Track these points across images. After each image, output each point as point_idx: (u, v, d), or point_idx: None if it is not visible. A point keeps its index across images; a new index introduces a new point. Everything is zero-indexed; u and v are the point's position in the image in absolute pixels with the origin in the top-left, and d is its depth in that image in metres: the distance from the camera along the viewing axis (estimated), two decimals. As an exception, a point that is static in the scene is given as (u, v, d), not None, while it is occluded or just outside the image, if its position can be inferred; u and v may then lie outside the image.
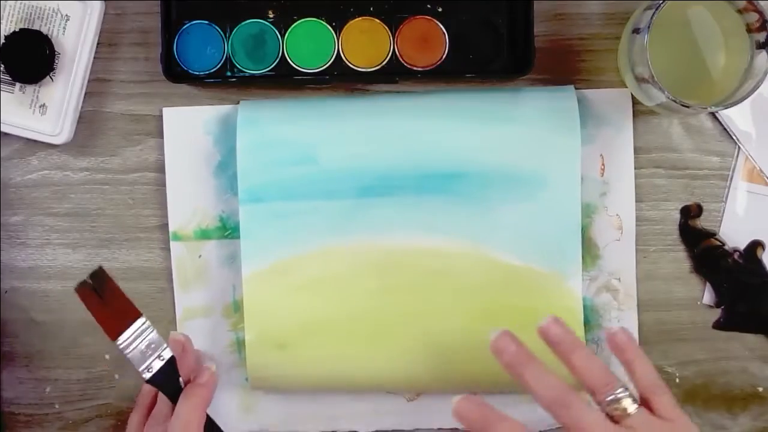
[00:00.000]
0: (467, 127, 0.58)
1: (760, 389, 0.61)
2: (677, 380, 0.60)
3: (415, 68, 0.59)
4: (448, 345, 0.58)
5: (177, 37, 0.58)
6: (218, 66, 0.59)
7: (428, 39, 0.59)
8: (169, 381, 0.55)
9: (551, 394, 0.48)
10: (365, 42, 0.58)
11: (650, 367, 0.50)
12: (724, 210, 0.60)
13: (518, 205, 0.58)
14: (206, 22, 0.59)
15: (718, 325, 0.60)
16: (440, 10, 0.58)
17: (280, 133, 0.58)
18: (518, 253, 0.58)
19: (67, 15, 0.58)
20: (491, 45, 0.59)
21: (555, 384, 0.48)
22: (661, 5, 0.51)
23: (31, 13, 0.58)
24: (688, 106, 0.51)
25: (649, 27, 0.51)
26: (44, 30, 0.57)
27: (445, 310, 0.58)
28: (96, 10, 0.58)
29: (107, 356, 0.61)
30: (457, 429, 0.60)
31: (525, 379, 0.49)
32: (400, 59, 0.59)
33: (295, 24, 0.58)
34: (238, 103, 0.60)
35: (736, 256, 0.60)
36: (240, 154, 0.58)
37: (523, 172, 0.58)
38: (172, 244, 0.60)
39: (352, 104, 0.59)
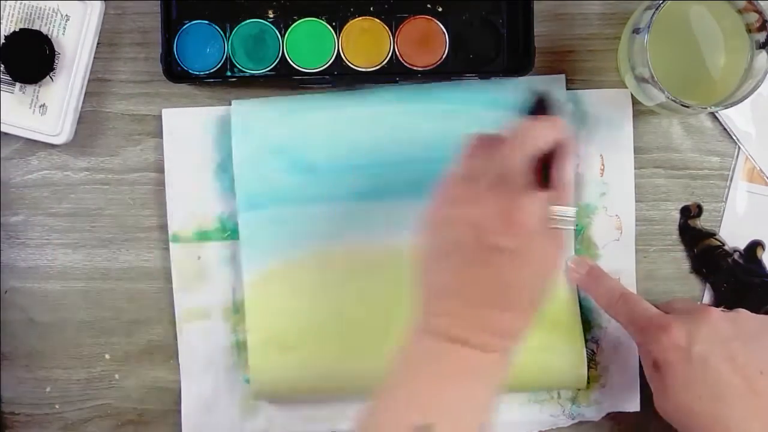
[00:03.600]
0: (458, 111, 0.58)
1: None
2: (677, 380, 0.60)
3: (415, 68, 0.59)
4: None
5: (177, 37, 0.58)
6: (218, 66, 0.59)
7: (428, 39, 0.59)
8: None
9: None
10: (365, 42, 0.58)
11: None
12: (724, 210, 0.60)
13: None
14: (206, 22, 0.58)
15: (718, 325, 0.60)
16: (440, 9, 0.58)
17: (274, 141, 0.59)
18: None
19: (67, 15, 0.58)
20: (491, 45, 0.59)
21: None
22: (661, 5, 0.51)
23: (31, 13, 0.58)
24: (688, 106, 0.51)
25: (649, 27, 0.51)
26: (44, 30, 0.57)
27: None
28: (96, 10, 0.58)
29: (107, 356, 0.61)
30: (457, 429, 0.60)
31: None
32: (400, 59, 0.59)
33: (295, 24, 0.58)
34: (237, 103, 0.60)
35: (736, 256, 0.60)
36: (236, 164, 0.58)
37: None
38: (172, 246, 0.60)
39: (345, 102, 0.59)
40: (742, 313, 0.53)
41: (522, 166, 0.46)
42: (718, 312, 0.52)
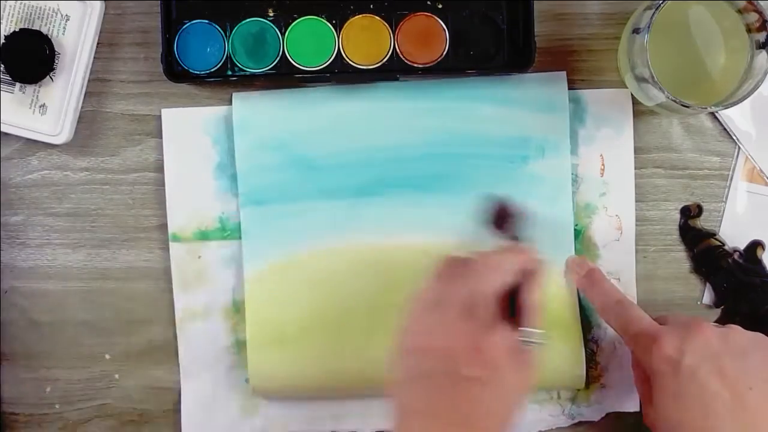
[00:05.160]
0: (458, 108, 0.59)
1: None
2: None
3: (415, 65, 0.59)
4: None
5: (177, 36, 0.58)
6: (219, 65, 0.59)
7: (428, 36, 0.59)
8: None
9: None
10: (365, 39, 0.58)
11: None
12: (724, 210, 0.60)
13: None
14: (206, 21, 0.58)
15: (718, 325, 0.60)
16: (440, 6, 0.58)
17: (275, 137, 0.59)
18: None
19: (67, 15, 0.58)
20: (492, 41, 0.59)
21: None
22: (661, 5, 0.51)
23: (31, 13, 0.58)
24: (688, 106, 0.51)
25: (649, 27, 0.51)
26: (44, 30, 0.57)
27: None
28: (96, 10, 0.58)
29: (107, 356, 0.61)
30: (457, 429, 0.60)
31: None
32: (401, 56, 0.59)
33: (295, 22, 0.58)
34: (237, 102, 0.60)
35: (736, 256, 0.60)
36: (238, 158, 0.59)
37: (515, 164, 0.59)
38: (172, 245, 0.60)
39: (346, 99, 0.59)
40: (734, 328, 0.53)
41: (491, 299, 0.49)
42: (710, 326, 0.52)
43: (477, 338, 0.47)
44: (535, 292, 0.50)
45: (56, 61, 0.58)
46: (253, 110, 0.59)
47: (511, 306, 0.50)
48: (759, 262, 0.60)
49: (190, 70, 0.59)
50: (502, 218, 0.55)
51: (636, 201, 0.60)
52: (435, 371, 0.48)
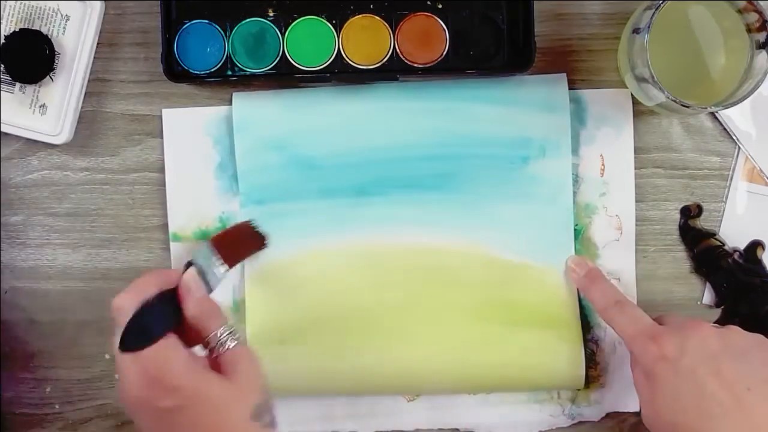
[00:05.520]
0: (459, 108, 0.59)
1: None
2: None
3: (415, 65, 0.59)
4: (446, 342, 0.58)
5: (177, 36, 0.58)
6: (219, 65, 0.59)
7: (429, 36, 0.58)
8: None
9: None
10: (366, 39, 0.58)
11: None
12: (724, 210, 0.60)
13: (511, 200, 0.59)
14: (206, 21, 0.58)
15: (718, 326, 0.60)
16: (440, 6, 0.58)
17: (276, 135, 0.59)
18: (514, 248, 0.59)
19: (67, 15, 0.58)
20: (492, 41, 0.59)
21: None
22: (661, 5, 0.51)
23: (31, 13, 0.58)
24: (688, 106, 0.51)
25: (649, 27, 0.51)
26: (44, 30, 0.57)
27: (443, 308, 0.59)
28: (96, 10, 0.58)
29: (107, 356, 0.61)
30: (457, 430, 0.60)
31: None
32: (401, 56, 0.59)
33: (295, 22, 0.58)
34: (237, 102, 0.60)
35: (736, 256, 0.60)
36: (239, 157, 0.59)
37: (515, 164, 0.59)
38: (172, 245, 0.60)
39: (346, 98, 0.59)
40: (733, 329, 0.53)
41: (126, 322, 0.47)
42: (709, 327, 0.52)
43: (148, 370, 0.46)
44: (193, 302, 0.49)
45: (56, 61, 0.58)
46: (254, 110, 0.59)
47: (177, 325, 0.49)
48: (759, 262, 0.60)
49: (190, 70, 0.59)
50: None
51: (636, 201, 0.60)
52: (147, 418, 0.47)
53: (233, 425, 0.47)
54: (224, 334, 0.49)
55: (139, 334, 0.47)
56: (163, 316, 0.48)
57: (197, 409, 0.46)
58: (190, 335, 0.49)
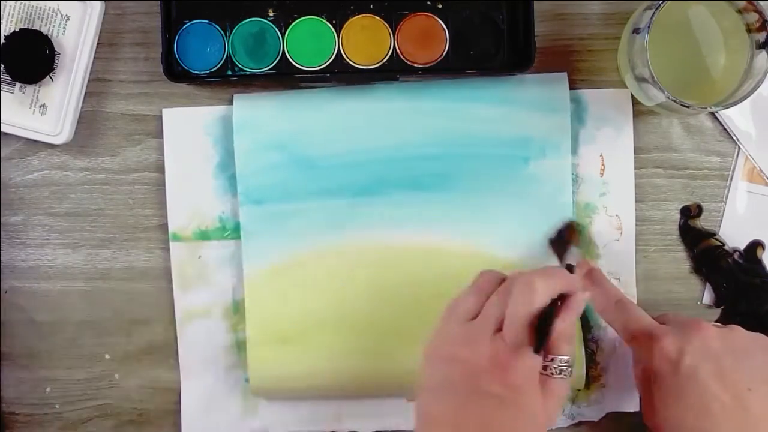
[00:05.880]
0: (459, 108, 0.59)
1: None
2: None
3: (415, 65, 0.59)
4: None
5: (177, 36, 0.58)
6: (219, 65, 0.59)
7: (429, 36, 0.59)
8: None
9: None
10: (366, 39, 0.58)
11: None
12: (724, 210, 0.60)
13: (512, 200, 0.59)
14: (206, 21, 0.58)
15: (718, 325, 0.60)
16: (440, 6, 0.58)
17: (275, 136, 0.59)
18: (514, 248, 0.59)
19: (67, 15, 0.58)
20: (492, 41, 0.59)
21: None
22: (661, 5, 0.51)
23: (31, 13, 0.58)
24: (688, 106, 0.51)
25: (649, 27, 0.51)
26: (44, 30, 0.57)
27: (443, 308, 0.58)
28: (96, 10, 0.58)
29: (107, 356, 0.61)
30: (457, 429, 0.60)
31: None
32: (401, 56, 0.59)
33: (295, 22, 0.58)
34: (237, 102, 0.60)
35: (736, 256, 0.60)
36: (238, 157, 0.59)
37: (515, 164, 0.59)
38: (172, 245, 0.60)
39: (347, 98, 0.59)
40: (735, 329, 0.53)
41: (523, 320, 0.48)
42: (711, 327, 0.52)
43: (502, 357, 0.47)
44: (568, 321, 0.49)
45: (56, 61, 0.58)
46: (254, 110, 0.59)
47: (540, 331, 0.49)
48: (759, 262, 0.60)
49: (190, 70, 0.59)
50: (564, 241, 0.54)
51: (636, 201, 0.60)
52: (457, 382, 0.48)
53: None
54: (567, 364, 0.49)
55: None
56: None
57: (509, 412, 0.47)
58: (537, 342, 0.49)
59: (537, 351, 0.48)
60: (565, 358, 0.49)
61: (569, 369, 0.49)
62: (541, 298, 0.48)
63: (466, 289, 0.51)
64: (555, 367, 0.49)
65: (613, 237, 0.60)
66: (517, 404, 0.47)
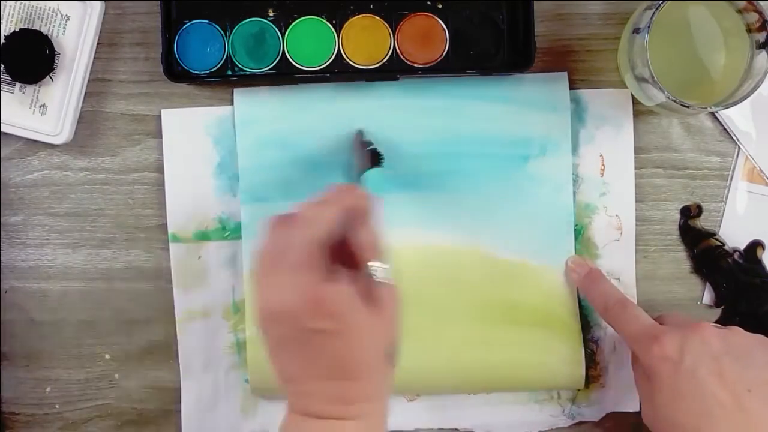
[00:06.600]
0: (460, 107, 0.59)
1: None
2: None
3: (415, 65, 0.59)
4: (446, 342, 0.58)
5: (177, 36, 0.58)
6: (219, 65, 0.59)
7: (429, 36, 0.59)
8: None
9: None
10: (366, 39, 0.58)
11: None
12: (724, 210, 0.60)
13: (512, 200, 0.59)
14: (206, 21, 0.58)
15: (718, 326, 0.60)
16: (440, 6, 0.58)
17: (276, 134, 0.59)
18: (514, 248, 0.59)
19: (67, 15, 0.58)
20: (492, 41, 0.59)
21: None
22: (661, 5, 0.51)
23: (31, 13, 0.58)
24: (688, 106, 0.51)
25: (649, 27, 0.51)
26: (44, 30, 0.57)
27: (443, 308, 0.59)
28: (96, 10, 0.58)
29: (107, 356, 0.61)
30: (456, 430, 0.60)
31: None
32: (401, 56, 0.59)
33: (295, 22, 0.58)
34: (238, 102, 0.60)
35: (736, 256, 0.60)
36: (240, 155, 0.59)
37: (515, 163, 0.59)
38: (172, 246, 0.60)
39: (348, 97, 0.59)
40: (735, 329, 0.53)
41: (320, 247, 0.46)
42: (711, 327, 0.52)
43: (315, 289, 0.45)
44: (367, 228, 0.48)
45: (56, 61, 0.58)
46: (255, 107, 0.59)
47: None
48: (759, 262, 0.60)
49: (190, 70, 0.59)
50: (358, 147, 0.54)
51: (636, 201, 0.60)
52: (287, 331, 0.46)
53: (369, 357, 0.47)
54: (380, 268, 0.48)
55: None
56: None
57: (344, 337, 0.46)
58: (344, 257, 0.48)
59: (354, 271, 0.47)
60: (376, 264, 0.48)
61: (383, 271, 0.48)
62: (332, 219, 0.47)
63: (261, 241, 0.49)
64: (369, 275, 0.47)
65: (613, 237, 0.60)
66: (348, 330, 0.46)
